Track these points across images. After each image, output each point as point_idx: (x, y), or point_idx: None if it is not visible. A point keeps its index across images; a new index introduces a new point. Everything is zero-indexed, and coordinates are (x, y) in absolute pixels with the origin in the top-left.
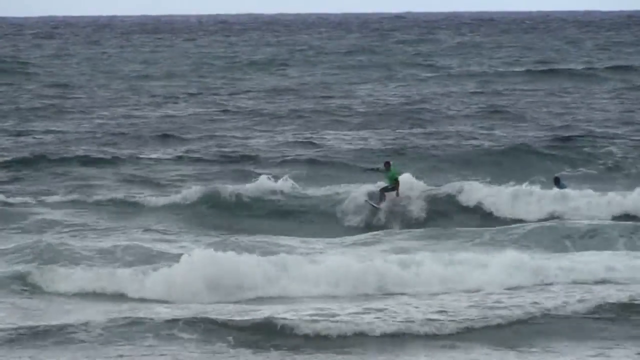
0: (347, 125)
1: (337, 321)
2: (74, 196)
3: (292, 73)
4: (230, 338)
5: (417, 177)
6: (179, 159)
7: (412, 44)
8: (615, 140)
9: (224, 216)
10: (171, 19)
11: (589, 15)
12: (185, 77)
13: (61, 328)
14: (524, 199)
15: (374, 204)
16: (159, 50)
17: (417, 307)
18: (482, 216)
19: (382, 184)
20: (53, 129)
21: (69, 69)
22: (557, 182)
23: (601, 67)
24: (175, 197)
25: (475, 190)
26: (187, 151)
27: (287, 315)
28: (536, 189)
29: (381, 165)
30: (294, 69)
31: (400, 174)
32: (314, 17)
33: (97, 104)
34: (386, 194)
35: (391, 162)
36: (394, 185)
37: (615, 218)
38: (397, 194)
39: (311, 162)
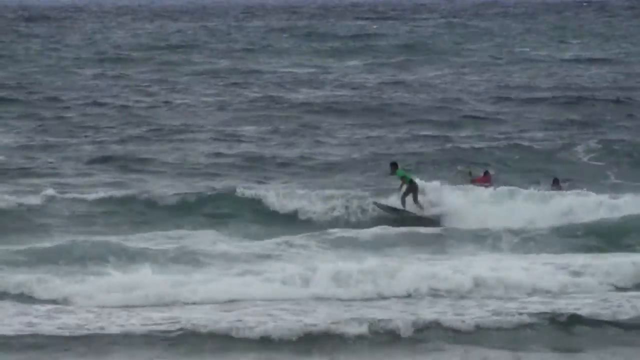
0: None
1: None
2: None
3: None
4: None
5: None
6: None
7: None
8: None
9: None
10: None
11: None
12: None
13: None
14: None
15: (383, 206)
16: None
17: None
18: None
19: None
20: None
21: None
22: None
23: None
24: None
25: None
26: None
27: None
28: None
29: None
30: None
31: (407, 174)
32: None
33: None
34: (406, 199)
35: (397, 163)
36: (407, 188)
37: None
38: (415, 200)
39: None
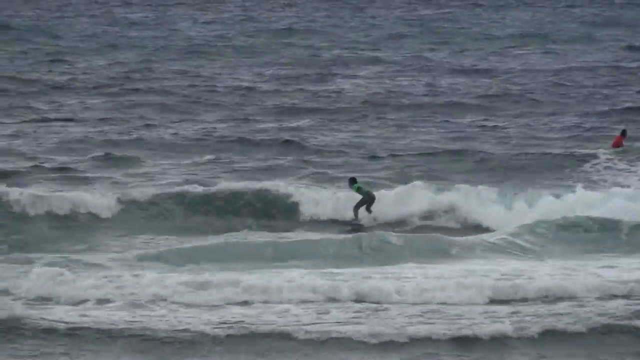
0: None
1: None
2: None
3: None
4: None
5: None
6: None
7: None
8: None
9: None
10: None
11: None
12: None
13: None
14: None
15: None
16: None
17: None
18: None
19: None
20: None
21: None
22: None
23: None
24: None
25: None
26: None
27: None
28: None
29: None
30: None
31: (364, 188)
32: None
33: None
34: (358, 210)
35: (356, 179)
36: (361, 200)
37: None
38: (368, 210)
39: None
